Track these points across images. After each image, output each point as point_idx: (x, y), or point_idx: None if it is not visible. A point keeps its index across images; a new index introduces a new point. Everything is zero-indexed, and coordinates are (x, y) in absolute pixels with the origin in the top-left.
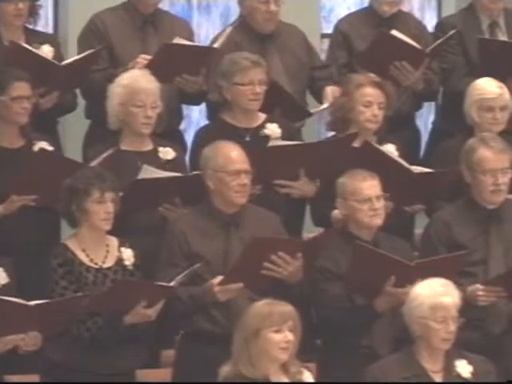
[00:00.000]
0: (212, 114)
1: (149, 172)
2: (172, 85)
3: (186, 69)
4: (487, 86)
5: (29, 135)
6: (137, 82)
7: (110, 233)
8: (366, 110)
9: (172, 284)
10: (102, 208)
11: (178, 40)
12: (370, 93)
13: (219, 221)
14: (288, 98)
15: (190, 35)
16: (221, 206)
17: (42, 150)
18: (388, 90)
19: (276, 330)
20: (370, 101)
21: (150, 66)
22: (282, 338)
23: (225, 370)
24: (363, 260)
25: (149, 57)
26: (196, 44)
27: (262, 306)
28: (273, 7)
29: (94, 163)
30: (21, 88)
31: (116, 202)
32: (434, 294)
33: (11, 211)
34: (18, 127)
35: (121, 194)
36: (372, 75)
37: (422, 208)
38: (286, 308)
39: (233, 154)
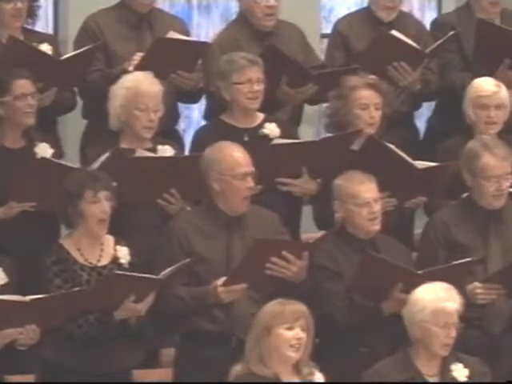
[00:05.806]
0: (211, 112)
1: (142, 154)
2: (168, 83)
3: (180, 64)
4: (484, 85)
5: (30, 135)
6: (140, 84)
7: (108, 231)
8: (363, 113)
9: (160, 277)
10: (97, 207)
11: (171, 34)
12: (365, 95)
13: (221, 221)
14: (292, 64)
15: (185, 34)
16: (224, 207)
17: (42, 158)
18: (382, 89)
19: (287, 328)
20: (366, 103)
21: (144, 62)
22: (293, 336)
23: (236, 369)
24: (371, 268)
25: None
26: (189, 38)
27: (274, 304)
28: (272, 2)
29: (93, 166)
30: (23, 86)
31: (111, 200)
32: (437, 299)
33: (9, 216)
34: (21, 129)
35: (114, 184)
36: (366, 76)
37: (423, 200)
38: (299, 307)
39: (238, 157)
